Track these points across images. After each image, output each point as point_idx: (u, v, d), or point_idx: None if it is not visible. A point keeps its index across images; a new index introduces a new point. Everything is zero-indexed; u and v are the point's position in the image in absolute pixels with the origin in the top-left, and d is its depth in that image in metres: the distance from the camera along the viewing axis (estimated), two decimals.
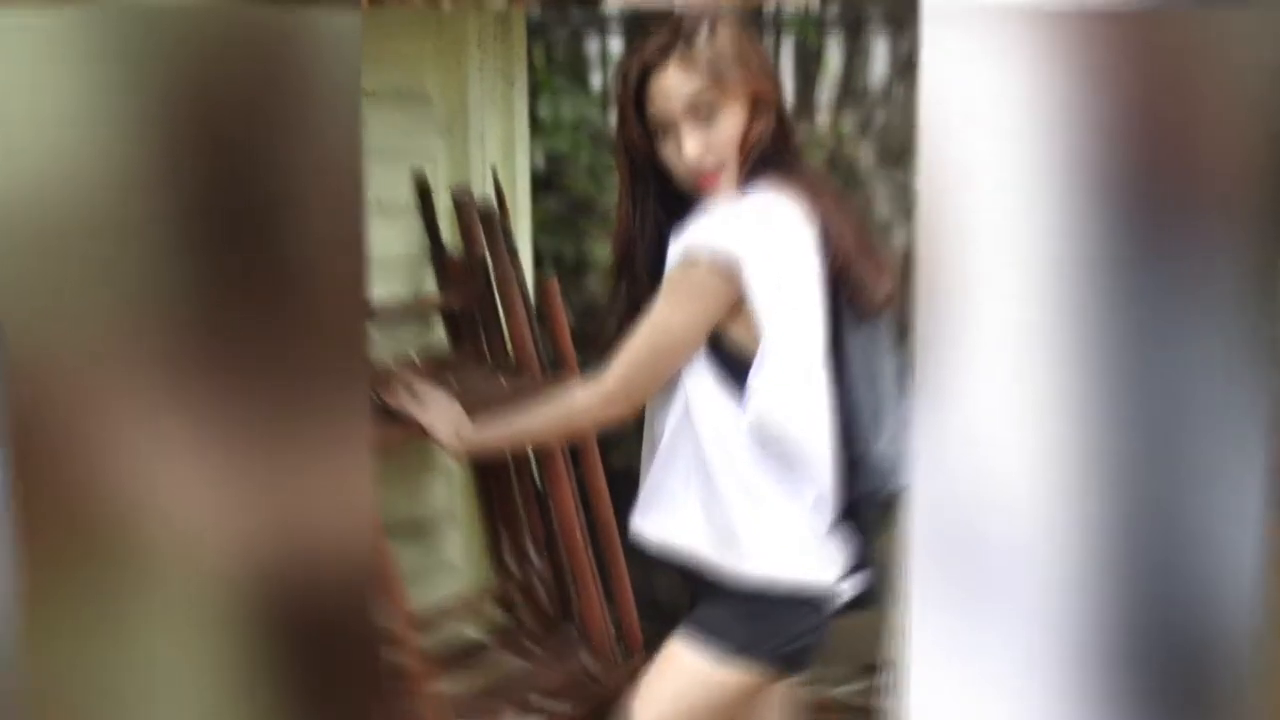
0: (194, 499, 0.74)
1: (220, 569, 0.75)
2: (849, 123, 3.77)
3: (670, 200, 1.15)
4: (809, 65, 3.77)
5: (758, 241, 1.08)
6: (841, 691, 2.33)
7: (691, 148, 1.08)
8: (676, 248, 1.10)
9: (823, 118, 3.79)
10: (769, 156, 1.11)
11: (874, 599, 1.19)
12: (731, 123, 1.09)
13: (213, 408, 0.74)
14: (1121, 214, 0.81)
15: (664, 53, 1.09)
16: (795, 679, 1.17)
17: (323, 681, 0.78)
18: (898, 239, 4.04)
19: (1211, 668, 0.79)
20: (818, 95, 3.85)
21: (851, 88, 3.90)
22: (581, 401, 1.15)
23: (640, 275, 1.17)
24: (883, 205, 3.98)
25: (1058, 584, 0.83)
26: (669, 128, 1.10)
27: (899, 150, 4.06)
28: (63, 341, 0.71)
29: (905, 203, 3.94)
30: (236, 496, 0.75)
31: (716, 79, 1.08)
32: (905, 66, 4.00)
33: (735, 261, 1.06)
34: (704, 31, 1.09)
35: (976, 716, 0.84)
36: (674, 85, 1.08)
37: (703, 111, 1.08)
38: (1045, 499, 0.84)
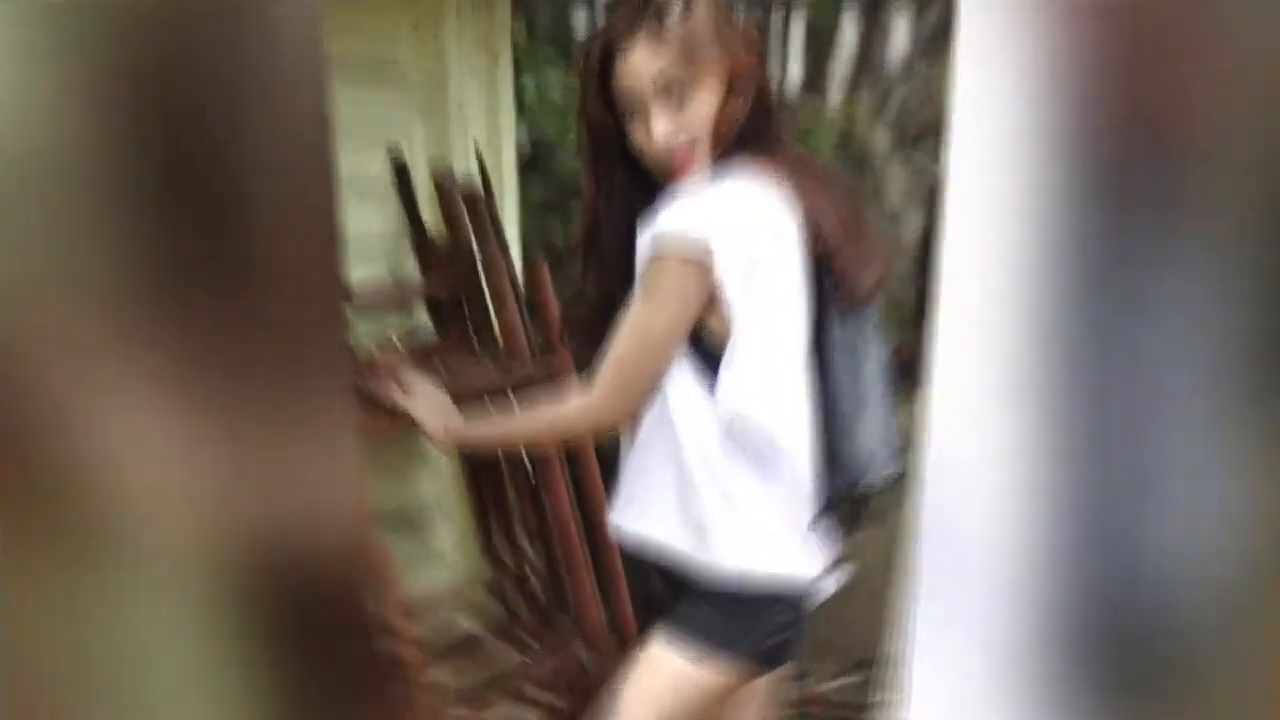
0: (177, 486, 0.73)
1: (208, 558, 0.74)
2: (864, 103, 3.58)
3: (639, 186, 1.08)
4: (821, 42, 3.54)
5: (729, 229, 1.01)
6: (832, 687, 2.32)
7: (660, 127, 1.01)
8: (646, 238, 1.03)
9: (834, 98, 3.60)
10: (747, 137, 1.04)
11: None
12: (705, 101, 1.02)
13: (187, 393, 0.73)
14: (1145, 196, 0.80)
15: (633, 28, 1.01)
16: (774, 674, 1.15)
17: (316, 670, 0.78)
18: (909, 225, 3.80)
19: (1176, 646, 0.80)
20: (830, 74, 3.63)
21: (868, 65, 3.63)
22: (575, 411, 1.10)
23: (609, 263, 1.11)
24: (895, 190, 3.74)
25: (1036, 573, 0.82)
26: (637, 108, 1.03)
27: (916, 132, 3.79)
28: (30, 326, 0.69)
29: (920, 187, 3.69)
30: (220, 483, 0.74)
31: (689, 57, 1.00)
32: (930, 43, 3.72)
33: (707, 252, 0.99)
34: (677, 6, 1.01)
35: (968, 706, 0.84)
36: (643, 63, 1.01)
37: (674, 91, 1.01)
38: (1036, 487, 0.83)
